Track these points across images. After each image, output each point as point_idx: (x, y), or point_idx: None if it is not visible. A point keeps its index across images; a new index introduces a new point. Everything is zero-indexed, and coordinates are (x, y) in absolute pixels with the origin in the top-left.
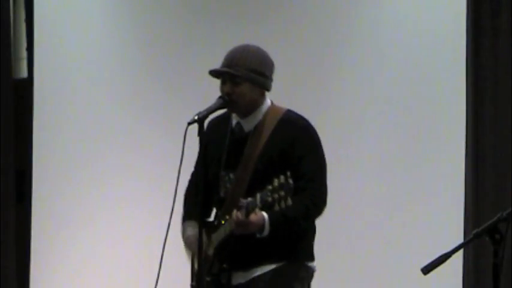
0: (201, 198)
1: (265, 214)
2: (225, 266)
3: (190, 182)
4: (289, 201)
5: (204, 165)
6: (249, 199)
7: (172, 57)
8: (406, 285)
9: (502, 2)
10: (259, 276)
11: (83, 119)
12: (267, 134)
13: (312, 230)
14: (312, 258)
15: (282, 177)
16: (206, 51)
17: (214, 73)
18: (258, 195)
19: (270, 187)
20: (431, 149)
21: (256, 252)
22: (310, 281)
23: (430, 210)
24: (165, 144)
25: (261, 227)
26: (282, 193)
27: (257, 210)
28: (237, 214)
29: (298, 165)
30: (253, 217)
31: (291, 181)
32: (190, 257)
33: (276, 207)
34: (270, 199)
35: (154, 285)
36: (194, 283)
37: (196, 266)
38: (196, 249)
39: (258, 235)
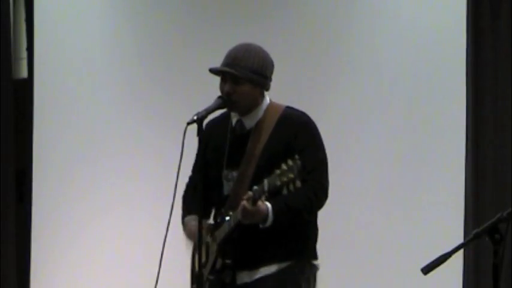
0: (201, 198)
1: (268, 204)
2: (228, 262)
3: (188, 185)
4: (298, 183)
5: (204, 166)
6: (255, 187)
7: (172, 57)
8: (406, 285)
9: (502, 3)
10: (265, 276)
11: (83, 119)
12: (269, 130)
13: (315, 228)
14: (316, 256)
15: (289, 161)
16: (206, 51)
17: (215, 71)
18: (265, 181)
19: (278, 171)
20: (431, 149)
21: (261, 251)
22: (316, 279)
23: (430, 210)
24: (165, 144)
25: (265, 217)
26: (291, 175)
27: (263, 198)
28: (244, 203)
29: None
30: (260, 204)
31: (299, 162)
32: (192, 250)
33: (284, 191)
34: (278, 182)
35: (154, 286)
36: (195, 285)
37: (196, 266)
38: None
39: (261, 225)
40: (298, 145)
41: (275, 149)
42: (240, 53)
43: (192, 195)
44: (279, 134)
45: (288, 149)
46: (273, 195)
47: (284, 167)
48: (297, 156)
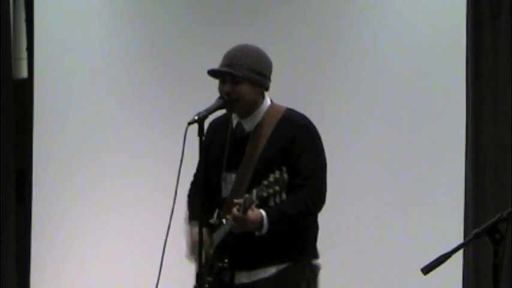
0: (201, 200)
1: (262, 211)
2: (225, 264)
3: (193, 183)
4: (284, 196)
5: (206, 167)
6: (246, 195)
7: (173, 57)
8: (406, 285)
9: (502, 2)
10: (264, 279)
11: (83, 119)
12: (268, 133)
13: (315, 228)
14: (316, 255)
15: (277, 172)
16: (206, 51)
17: (213, 73)
18: (254, 191)
19: (265, 182)
20: (431, 149)
21: (259, 252)
22: (317, 279)
23: (430, 210)
24: (165, 145)
25: (259, 224)
26: (277, 188)
27: (254, 207)
28: (234, 211)
29: (296, 163)
30: (250, 214)
31: (285, 175)
32: (193, 258)
33: (271, 202)
34: (265, 194)
35: (155, 286)
36: (197, 284)
37: (197, 266)
38: (197, 251)
39: (256, 233)
40: (296, 149)
41: (272, 153)
42: (238, 53)
43: (196, 197)
44: (277, 137)
45: (285, 153)
46: (261, 204)
47: (271, 178)
48: (284, 169)
